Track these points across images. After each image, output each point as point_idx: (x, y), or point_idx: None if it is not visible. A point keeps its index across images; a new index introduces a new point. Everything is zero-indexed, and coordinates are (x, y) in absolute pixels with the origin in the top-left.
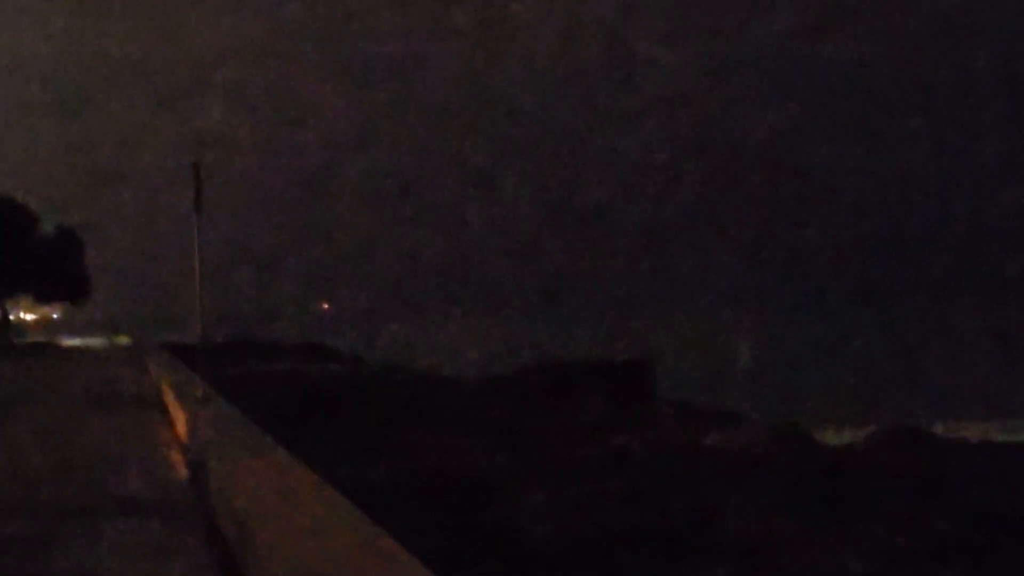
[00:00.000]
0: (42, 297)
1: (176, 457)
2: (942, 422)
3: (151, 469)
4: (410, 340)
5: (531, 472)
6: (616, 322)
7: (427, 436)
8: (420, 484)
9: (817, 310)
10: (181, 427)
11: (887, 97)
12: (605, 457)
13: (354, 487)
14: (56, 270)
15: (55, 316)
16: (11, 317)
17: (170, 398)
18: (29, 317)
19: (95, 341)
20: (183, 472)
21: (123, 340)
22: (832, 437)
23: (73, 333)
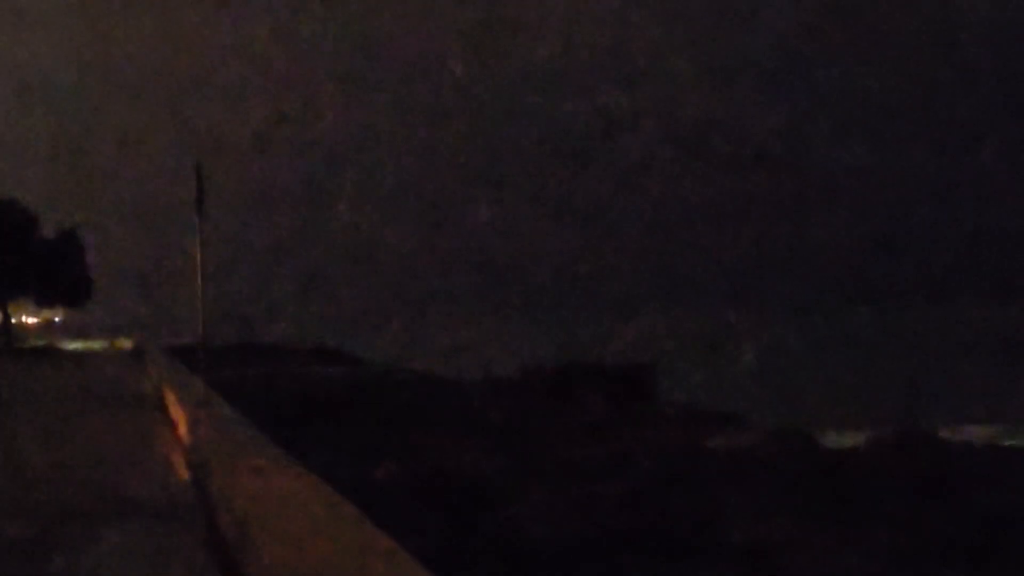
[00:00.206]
0: (43, 300)
1: (177, 459)
2: (945, 425)
3: (152, 470)
4: (410, 341)
5: (532, 473)
6: (616, 323)
7: (428, 437)
8: (421, 485)
9: (819, 312)
10: (182, 428)
11: (887, 97)
12: (606, 459)
13: (354, 488)
14: (57, 273)
15: (56, 319)
16: (12, 320)
17: (171, 399)
18: (30, 320)
19: (96, 344)
20: (184, 474)
21: (124, 343)
22: (834, 440)
23: (74, 336)
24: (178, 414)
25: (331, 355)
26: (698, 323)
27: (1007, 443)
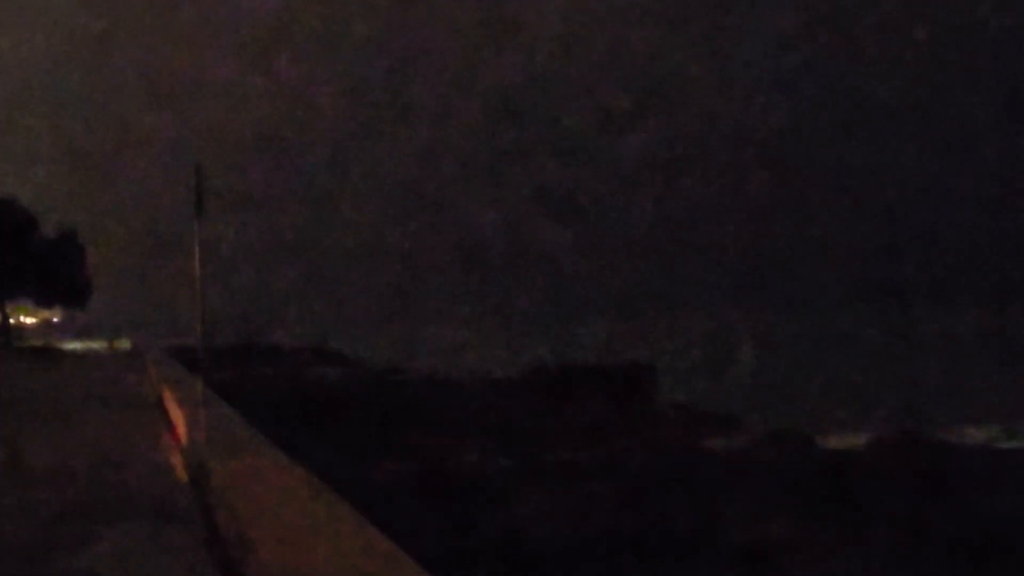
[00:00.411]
0: (42, 300)
1: (176, 459)
2: (945, 425)
3: (151, 471)
4: (410, 341)
5: (532, 474)
6: (617, 325)
7: (428, 438)
8: (421, 485)
9: (819, 312)
10: (181, 429)
11: (887, 97)
12: (606, 459)
13: (355, 488)
14: (56, 273)
15: (55, 319)
16: (11, 320)
17: (170, 400)
18: (29, 320)
19: (95, 344)
20: (183, 474)
21: (123, 343)
22: (834, 442)
23: (73, 336)
24: (177, 414)
25: (331, 355)
26: (698, 325)
27: (1007, 444)
